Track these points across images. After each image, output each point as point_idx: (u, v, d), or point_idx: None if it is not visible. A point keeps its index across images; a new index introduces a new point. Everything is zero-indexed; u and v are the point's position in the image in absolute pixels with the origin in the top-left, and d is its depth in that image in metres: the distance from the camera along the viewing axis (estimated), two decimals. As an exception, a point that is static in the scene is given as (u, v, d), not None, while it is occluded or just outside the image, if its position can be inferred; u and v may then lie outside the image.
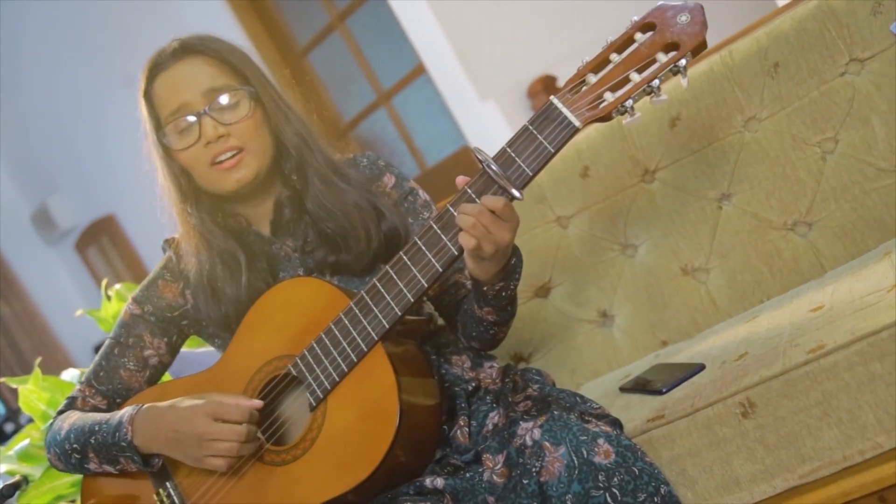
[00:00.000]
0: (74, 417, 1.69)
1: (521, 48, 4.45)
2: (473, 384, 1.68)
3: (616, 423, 1.53)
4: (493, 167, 1.45)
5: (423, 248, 1.50)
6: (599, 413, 1.54)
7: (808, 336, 1.55)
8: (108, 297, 2.57)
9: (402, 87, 4.90)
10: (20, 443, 2.33)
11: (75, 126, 7.03)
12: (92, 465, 1.66)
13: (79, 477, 2.27)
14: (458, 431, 1.60)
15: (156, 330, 1.75)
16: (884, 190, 1.89)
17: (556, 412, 1.47)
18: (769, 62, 1.97)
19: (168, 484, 1.64)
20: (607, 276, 2.13)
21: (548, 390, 1.62)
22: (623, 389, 1.84)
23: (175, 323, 1.77)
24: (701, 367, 1.70)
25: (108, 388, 1.74)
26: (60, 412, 1.75)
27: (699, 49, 1.41)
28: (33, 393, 2.34)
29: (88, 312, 2.63)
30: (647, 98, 1.43)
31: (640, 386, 1.79)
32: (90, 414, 1.69)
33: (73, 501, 2.45)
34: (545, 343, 2.17)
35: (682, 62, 1.40)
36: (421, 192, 1.79)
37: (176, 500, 1.63)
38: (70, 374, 2.58)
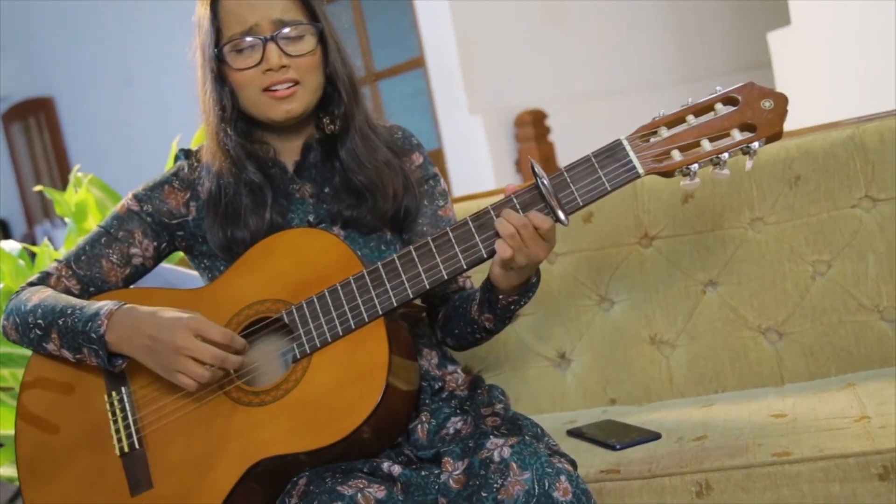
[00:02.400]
0: (47, 294, 1.64)
1: (523, 77, 4.50)
2: (440, 383, 1.69)
3: (574, 464, 1.55)
4: (547, 184, 1.47)
5: (454, 241, 1.50)
6: (557, 450, 1.57)
7: (771, 439, 1.61)
8: (76, 188, 2.50)
9: (394, 73, 4.89)
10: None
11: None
12: (50, 346, 1.61)
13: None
14: (419, 426, 1.60)
15: (149, 231, 1.72)
16: (859, 325, 1.97)
17: (527, 438, 1.49)
18: (792, 173, 2.04)
19: (123, 389, 1.60)
20: (577, 321, 2.16)
21: (512, 413, 1.64)
22: (571, 434, 1.87)
23: (170, 231, 1.73)
24: (657, 436, 1.74)
25: (85, 273, 1.70)
26: (31, 284, 1.70)
27: (774, 138, 1.44)
28: (-26, 255, 2.26)
29: (48, 191, 2.55)
30: (709, 167, 1.47)
31: (591, 436, 1.82)
32: (64, 295, 1.64)
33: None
34: (498, 365, 2.19)
35: (755, 145, 1.44)
36: (442, 180, 1.82)
37: (127, 408, 1.59)
38: (10, 246, 2.49)
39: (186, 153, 1.79)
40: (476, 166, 4.39)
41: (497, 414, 1.62)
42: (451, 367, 1.75)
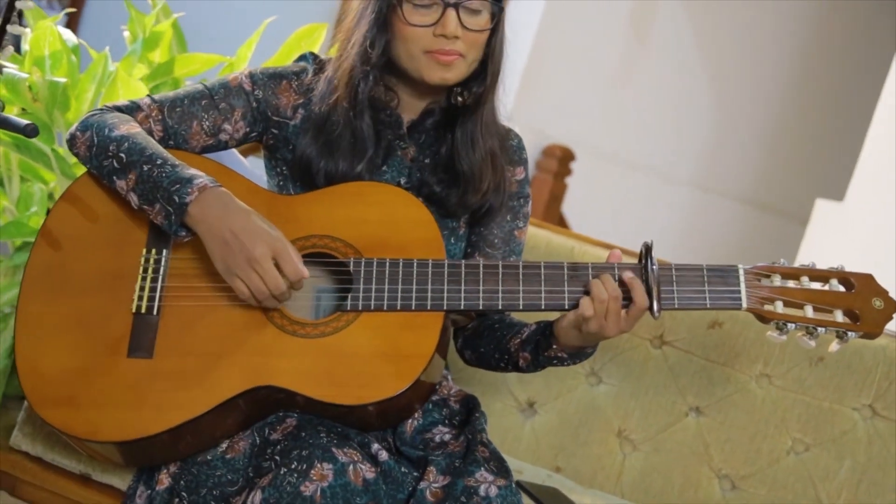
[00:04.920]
0: (137, 130, 1.57)
1: (571, 112, 4.51)
2: (436, 386, 1.69)
3: (535, 525, 1.57)
4: (655, 272, 1.48)
5: (543, 277, 1.51)
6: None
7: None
8: (158, 19, 2.41)
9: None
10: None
11: None
12: (120, 183, 1.54)
13: None
14: (409, 420, 1.60)
15: (248, 115, 1.67)
16: (808, 513, 2.04)
17: (513, 485, 1.50)
18: (817, 353, 2.08)
19: (164, 252, 1.55)
20: (560, 383, 2.18)
21: (493, 448, 1.64)
22: (522, 487, 1.88)
23: (267, 125, 1.69)
24: (603, 530, 1.77)
25: (174, 125, 1.64)
26: (119, 109, 1.63)
27: (870, 336, 1.50)
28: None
29: (129, 4, 2.45)
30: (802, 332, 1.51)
31: (539, 497, 1.83)
32: (155, 142, 1.57)
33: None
34: (471, 384, 2.17)
35: (851, 335, 1.48)
36: (531, 203, 1.81)
37: (161, 271, 1.54)
38: (67, 35, 2.38)
39: (315, 58, 1.74)
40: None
41: (484, 444, 1.61)
42: (444, 372, 1.75)
